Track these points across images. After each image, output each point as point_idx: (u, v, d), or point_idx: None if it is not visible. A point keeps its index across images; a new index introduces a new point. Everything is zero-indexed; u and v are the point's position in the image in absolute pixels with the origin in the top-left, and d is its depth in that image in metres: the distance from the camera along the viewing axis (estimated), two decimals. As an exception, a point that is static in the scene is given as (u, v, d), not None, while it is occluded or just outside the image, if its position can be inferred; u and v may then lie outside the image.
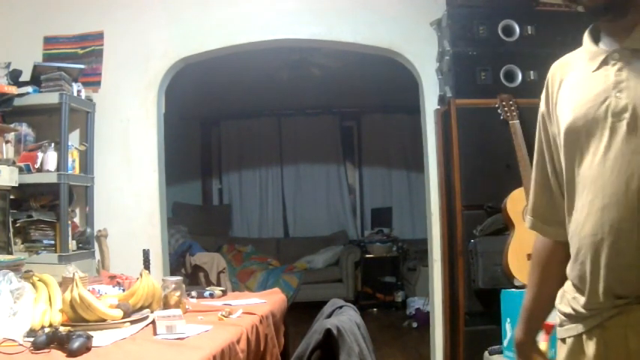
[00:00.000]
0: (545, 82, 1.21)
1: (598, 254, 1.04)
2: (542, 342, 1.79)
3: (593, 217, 1.05)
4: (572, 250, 1.11)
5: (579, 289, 1.10)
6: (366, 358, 1.80)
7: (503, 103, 2.83)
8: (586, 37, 1.13)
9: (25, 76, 3.05)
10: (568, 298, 1.13)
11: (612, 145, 1.03)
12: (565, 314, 1.13)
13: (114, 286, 2.10)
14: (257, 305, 2.13)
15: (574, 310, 1.10)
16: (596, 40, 1.11)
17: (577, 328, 1.09)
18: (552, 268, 1.22)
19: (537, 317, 1.26)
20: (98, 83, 3.27)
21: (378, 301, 6.15)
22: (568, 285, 1.14)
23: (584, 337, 1.07)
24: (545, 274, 1.23)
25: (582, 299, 1.08)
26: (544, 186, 1.24)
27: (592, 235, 1.05)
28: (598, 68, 1.08)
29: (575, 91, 1.12)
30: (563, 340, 1.13)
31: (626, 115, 1.02)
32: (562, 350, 1.13)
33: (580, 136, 1.08)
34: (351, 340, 1.75)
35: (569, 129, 1.11)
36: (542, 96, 1.21)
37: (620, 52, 1.06)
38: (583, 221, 1.08)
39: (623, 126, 1.02)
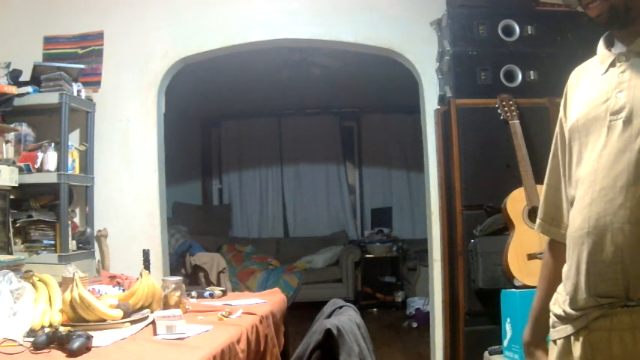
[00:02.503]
0: (565, 89, 1.24)
1: (582, 249, 1.06)
2: None
3: (582, 211, 1.07)
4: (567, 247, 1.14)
5: (566, 287, 1.12)
6: (366, 358, 1.80)
7: (503, 103, 2.83)
8: (600, 43, 1.16)
9: (25, 76, 3.04)
10: (559, 300, 1.15)
11: (608, 142, 1.05)
12: (556, 315, 1.15)
13: (114, 286, 2.10)
14: (257, 305, 2.13)
15: (564, 311, 1.12)
16: (609, 46, 1.14)
17: (566, 329, 1.11)
18: (561, 270, 1.23)
19: (546, 319, 1.27)
20: (98, 83, 3.27)
21: (378, 301, 6.15)
22: (561, 287, 1.16)
23: (572, 338, 1.09)
24: (554, 277, 1.23)
25: (568, 297, 1.10)
26: (555, 189, 1.26)
27: (579, 230, 1.07)
28: (606, 71, 1.11)
29: (583, 93, 1.15)
30: (554, 342, 1.15)
31: (623, 114, 1.04)
32: (553, 352, 1.15)
33: (581, 134, 1.12)
34: (351, 340, 1.75)
35: (572, 128, 1.15)
36: (562, 102, 1.24)
37: (626, 54, 1.09)
38: (574, 217, 1.10)
39: (619, 124, 1.04)
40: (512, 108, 2.80)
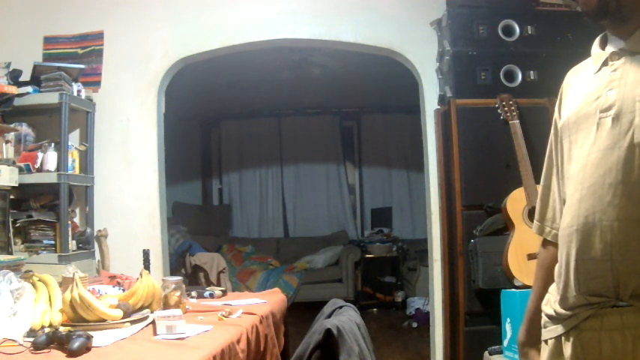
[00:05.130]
0: (560, 90, 1.24)
1: (571, 246, 1.06)
2: None
3: (571, 209, 1.08)
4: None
5: (557, 285, 1.12)
6: (366, 358, 1.80)
7: (503, 103, 2.83)
8: (595, 43, 1.16)
9: (25, 76, 3.04)
10: (551, 300, 1.15)
11: (597, 139, 1.05)
12: (547, 316, 1.15)
13: (114, 286, 2.10)
14: (257, 305, 2.13)
15: (555, 311, 1.12)
16: (603, 46, 1.14)
17: (557, 329, 1.11)
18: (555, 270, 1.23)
19: (540, 319, 1.27)
20: (98, 83, 3.27)
21: (378, 301, 6.15)
22: (553, 287, 1.17)
23: (562, 338, 1.09)
24: (548, 277, 1.23)
25: (559, 296, 1.10)
26: (549, 189, 1.27)
27: (568, 227, 1.07)
28: (599, 70, 1.11)
29: (576, 92, 1.16)
30: (546, 342, 1.15)
31: (612, 111, 1.04)
32: (544, 352, 1.15)
33: (571, 132, 1.12)
34: (351, 340, 1.75)
35: (563, 126, 1.15)
36: (556, 103, 1.24)
37: (619, 53, 1.09)
38: (564, 214, 1.11)
39: (608, 121, 1.04)
40: (512, 108, 2.80)
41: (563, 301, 1.09)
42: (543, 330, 1.16)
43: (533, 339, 1.27)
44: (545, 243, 1.29)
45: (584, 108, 1.10)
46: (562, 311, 1.09)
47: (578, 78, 1.19)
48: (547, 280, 1.23)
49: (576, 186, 1.07)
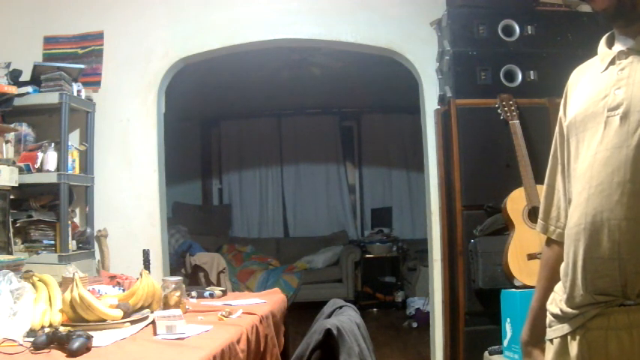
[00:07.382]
0: (565, 88, 1.24)
1: (578, 245, 1.06)
2: None
3: (579, 207, 1.07)
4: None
5: (564, 284, 1.11)
6: (366, 358, 1.80)
7: (503, 103, 2.83)
8: (602, 42, 1.16)
9: (25, 76, 3.05)
10: (557, 299, 1.15)
11: (605, 138, 1.05)
12: (553, 315, 1.15)
13: (114, 286, 2.10)
14: (257, 305, 2.13)
15: (561, 310, 1.12)
16: (610, 45, 1.14)
17: (563, 328, 1.11)
18: (559, 270, 1.23)
19: (544, 318, 1.27)
20: (98, 83, 3.27)
21: (378, 301, 6.15)
22: (558, 286, 1.16)
23: (568, 337, 1.09)
24: (552, 276, 1.23)
25: (565, 295, 1.10)
26: (554, 188, 1.26)
27: (576, 226, 1.07)
28: (606, 69, 1.11)
29: (582, 91, 1.15)
30: (551, 341, 1.15)
31: (620, 110, 1.04)
32: (549, 351, 1.15)
33: (578, 130, 1.12)
34: (351, 340, 1.75)
35: (570, 124, 1.15)
36: (562, 101, 1.24)
37: (627, 52, 1.09)
38: (572, 213, 1.10)
39: (616, 120, 1.04)
40: (512, 108, 2.81)
41: (569, 299, 1.09)
42: (549, 329, 1.16)
43: (536, 338, 1.27)
44: (549, 242, 1.28)
45: (591, 106, 1.10)
46: (568, 310, 1.09)
47: (584, 76, 1.19)
48: (551, 278, 1.23)
49: (584, 185, 1.07)
